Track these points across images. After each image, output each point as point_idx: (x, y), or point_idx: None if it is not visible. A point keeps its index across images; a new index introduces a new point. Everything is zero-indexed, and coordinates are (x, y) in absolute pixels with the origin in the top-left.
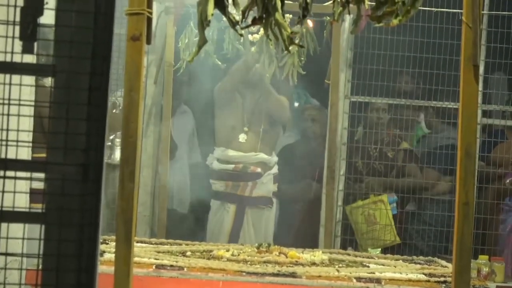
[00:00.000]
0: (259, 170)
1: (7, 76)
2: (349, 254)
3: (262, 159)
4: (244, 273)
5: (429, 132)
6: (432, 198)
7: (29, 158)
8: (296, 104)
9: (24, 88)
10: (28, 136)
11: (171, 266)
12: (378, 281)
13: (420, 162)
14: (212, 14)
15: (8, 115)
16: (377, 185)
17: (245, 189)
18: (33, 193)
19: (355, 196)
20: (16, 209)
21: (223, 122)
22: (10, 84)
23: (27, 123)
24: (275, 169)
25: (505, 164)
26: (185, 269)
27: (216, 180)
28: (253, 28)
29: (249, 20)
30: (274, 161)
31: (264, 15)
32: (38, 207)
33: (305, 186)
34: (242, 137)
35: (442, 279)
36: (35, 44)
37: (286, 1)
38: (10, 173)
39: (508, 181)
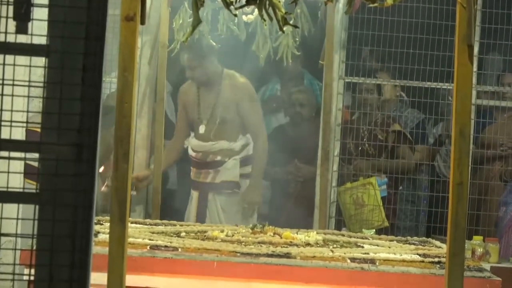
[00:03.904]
0: (219, 158)
1: (1, 56)
2: (343, 235)
3: (222, 147)
4: (238, 254)
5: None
6: (426, 179)
7: (23, 138)
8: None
9: (18, 68)
10: (22, 117)
11: (166, 246)
12: (372, 261)
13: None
14: None
15: (1, 95)
16: (366, 167)
17: (207, 176)
18: (28, 173)
19: (349, 178)
20: (10, 190)
21: (188, 116)
22: (4, 64)
23: (21, 104)
24: (245, 152)
25: (493, 145)
26: (180, 249)
27: (190, 166)
28: (248, 9)
29: (244, 1)
30: (241, 145)
31: None
32: (32, 184)
33: (293, 169)
34: (201, 128)
35: (436, 259)
36: (29, 24)
37: None
38: (4, 153)
39: None
